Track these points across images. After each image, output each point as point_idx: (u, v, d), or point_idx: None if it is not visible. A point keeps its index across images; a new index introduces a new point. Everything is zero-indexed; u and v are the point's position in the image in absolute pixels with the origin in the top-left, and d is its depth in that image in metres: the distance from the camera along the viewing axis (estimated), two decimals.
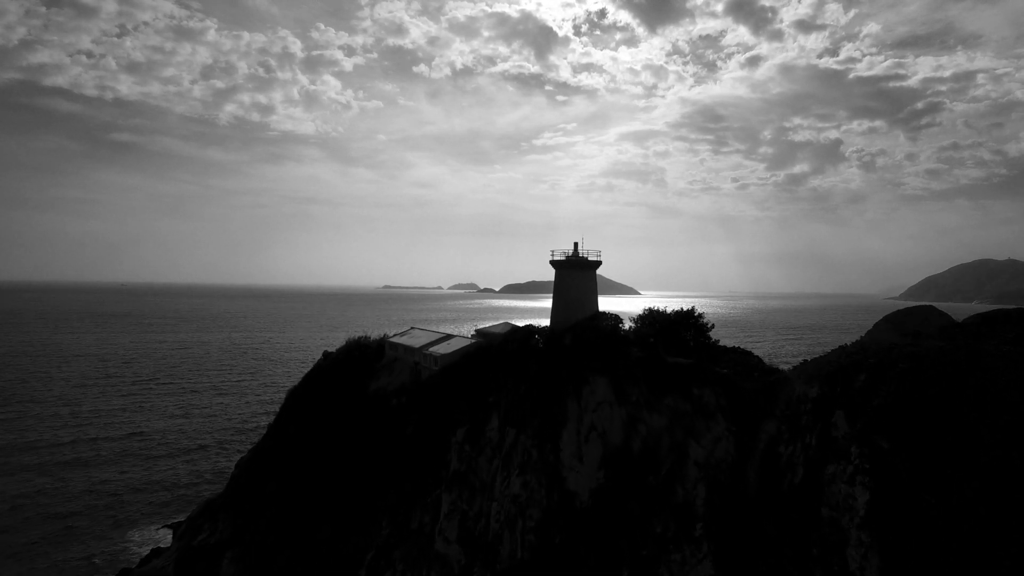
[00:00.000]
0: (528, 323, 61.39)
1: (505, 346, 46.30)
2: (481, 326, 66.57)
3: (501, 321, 65.75)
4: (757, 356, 57.21)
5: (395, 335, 68.53)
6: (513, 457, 37.23)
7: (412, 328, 68.66)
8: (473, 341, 52.99)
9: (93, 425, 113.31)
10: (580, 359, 39.19)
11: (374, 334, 74.05)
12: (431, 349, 55.49)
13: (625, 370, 38.69)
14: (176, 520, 76.60)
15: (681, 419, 37.30)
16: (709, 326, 55.85)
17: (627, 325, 58.66)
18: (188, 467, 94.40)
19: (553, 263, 47.24)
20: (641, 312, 59.16)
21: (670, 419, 37.30)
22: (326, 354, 67.49)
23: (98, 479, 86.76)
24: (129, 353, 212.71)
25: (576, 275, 45.12)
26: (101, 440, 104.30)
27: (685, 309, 56.69)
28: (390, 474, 44.37)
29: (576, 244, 47.67)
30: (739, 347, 58.21)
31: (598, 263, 46.30)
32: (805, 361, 42.03)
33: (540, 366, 40.34)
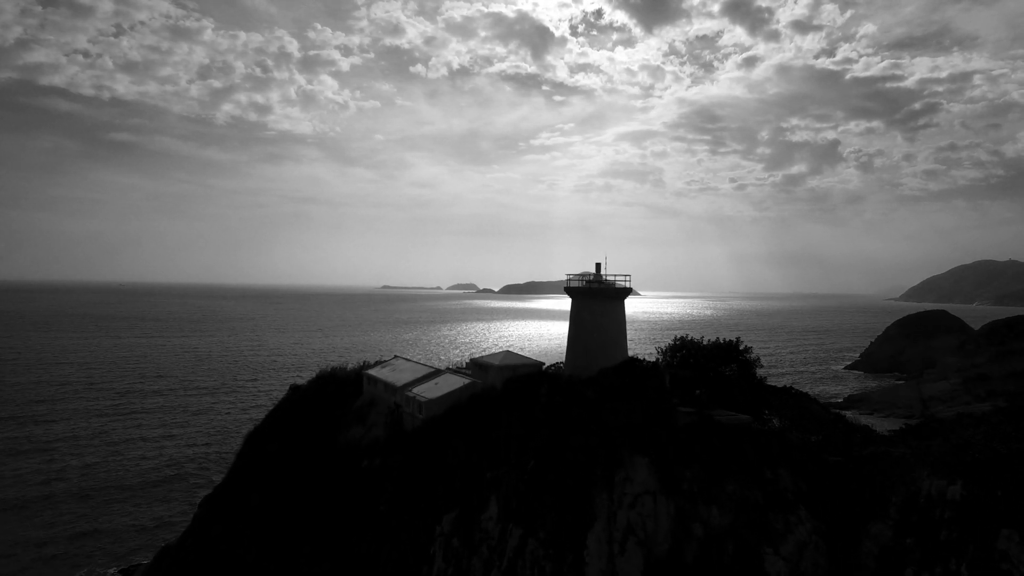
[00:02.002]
0: (535, 361, 51.02)
1: (506, 397, 35.95)
2: (477, 355, 56.35)
3: (501, 349, 55.64)
4: (815, 399, 47.09)
5: (376, 364, 58.21)
6: (519, 569, 26.86)
7: (396, 357, 58.31)
8: (465, 383, 42.63)
9: (61, 451, 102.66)
10: (609, 427, 28.77)
11: (352, 361, 64.14)
12: (415, 390, 45.09)
13: (672, 443, 28.30)
14: (136, 563, 67.18)
15: (750, 514, 26.93)
16: (757, 361, 45.61)
17: (653, 354, 48.78)
18: (157, 503, 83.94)
19: (569, 290, 36.70)
20: (672, 341, 49.01)
21: (735, 514, 26.93)
22: (294, 388, 57.05)
23: (58, 516, 76.47)
24: (117, 360, 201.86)
25: (599, 307, 34.66)
26: (71, 468, 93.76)
27: (727, 340, 46.53)
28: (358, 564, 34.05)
29: (598, 265, 37.15)
30: (791, 387, 48.13)
31: (627, 291, 35.87)
32: (905, 426, 31.58)
33: (553, 433, 29.95)
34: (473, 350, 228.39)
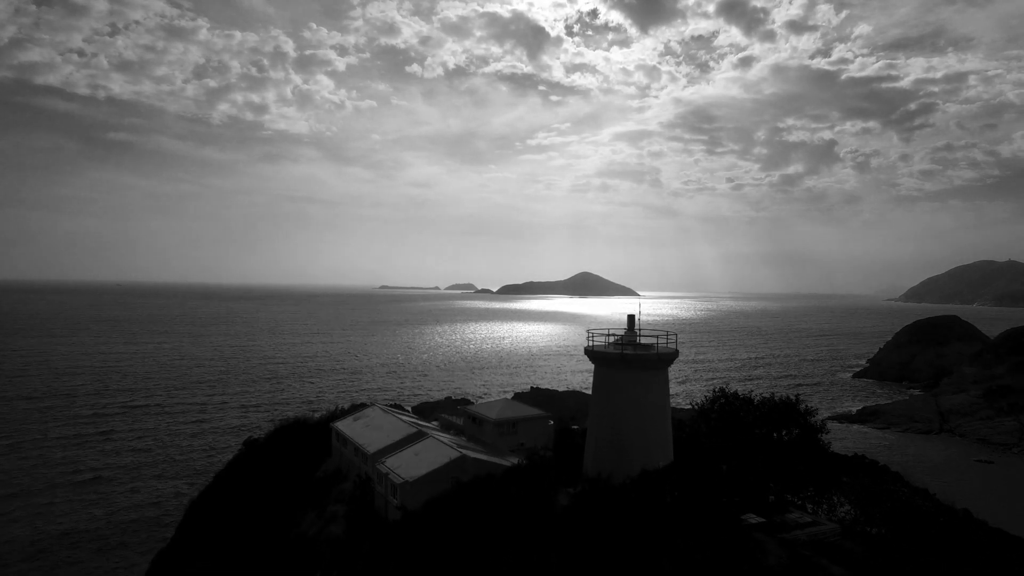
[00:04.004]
0: (539, 413, 41.54)
1: (507, 489, 26.53)
2: (470, 405, 47.01)
3: (500, 396, 46.55)
4: (893, 471, 37.68)
5: (350, 412, 48.65)
6: None
7: (373, 406, 48.60)
8: (453, 458, 32.98)
9: (31, 483, 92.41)
10: (665, 568, 19.24)
11: (343, 371, 55.06)
12: (389, 462, 35.50)
13: None
14: None
15: None
16: (823, 426, 36.14)
17: (680, 400, 39.80)
18: (114, 558, 73.93)
19: (591, 354, 26.89)
20: (713, 393, 39.56)
21: None
22: (249, 443, 47.50)
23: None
24: (105, 367, 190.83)
25: (635, 379, 24.90)
26: (20, 511, 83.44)
27: (783, 398, 37.10)
28: None
29: (631, 319, 27.45)
30: (861, 454, 38.65)
31: (674, 354, 26.12)
32: None
33: (576, 569, 20.48)
34: (472, 362, 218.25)
